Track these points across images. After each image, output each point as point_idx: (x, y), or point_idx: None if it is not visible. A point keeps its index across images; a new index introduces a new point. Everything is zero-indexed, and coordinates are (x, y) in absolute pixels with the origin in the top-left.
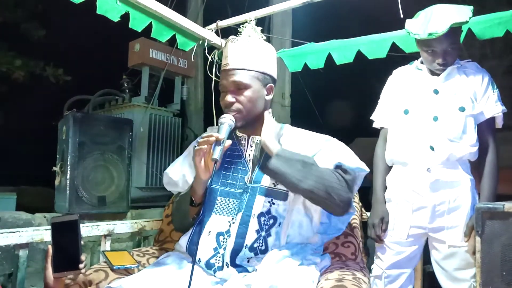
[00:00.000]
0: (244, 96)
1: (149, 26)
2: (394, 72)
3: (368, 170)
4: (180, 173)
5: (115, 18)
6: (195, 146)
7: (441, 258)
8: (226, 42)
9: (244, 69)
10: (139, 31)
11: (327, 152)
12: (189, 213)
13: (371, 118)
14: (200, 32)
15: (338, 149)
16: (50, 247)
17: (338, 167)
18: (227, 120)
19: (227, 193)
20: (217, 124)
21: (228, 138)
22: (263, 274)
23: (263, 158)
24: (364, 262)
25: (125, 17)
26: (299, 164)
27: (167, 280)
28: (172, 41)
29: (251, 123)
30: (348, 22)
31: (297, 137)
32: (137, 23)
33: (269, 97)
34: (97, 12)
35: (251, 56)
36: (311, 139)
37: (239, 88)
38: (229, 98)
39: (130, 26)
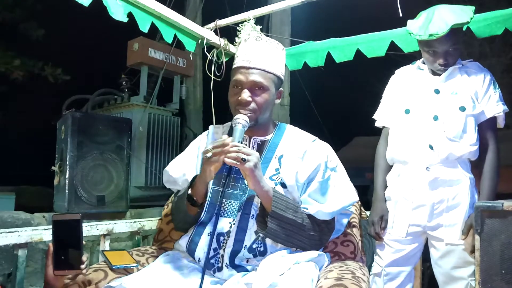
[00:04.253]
0: (261, 98)
1: (153, 27)
2: (396, 71)
3: (357, 199)
4: (180, 172)
5: (124, 18)
6: (205, 156)
7: (439, 257)
8: (247, 39)
9: (265, 71)
10: (146, 31)
11: (317, 190)
12: (189, 212)
13: (373, 117)
14: (199, 31)
15: (329, 185)
16: (51, 245)
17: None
18: (242, 121)
19: (229, 194)
20: (217, 123)
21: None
22: (263, 273)
23: (259, 209)
24: (363, 261)
25: (127, 16)
26: (289, 226)
27: (166, 279)
28: (171, 40)
29: (258, 125)
30: (347, 20)
31: (297, 145)
32: (142, 23)
33: (277, 102)
34: (109, 14)
35: (272, 58)
36: (309, 155)
37: (257, 88)
38: (247, 96)
39: (140, 28)
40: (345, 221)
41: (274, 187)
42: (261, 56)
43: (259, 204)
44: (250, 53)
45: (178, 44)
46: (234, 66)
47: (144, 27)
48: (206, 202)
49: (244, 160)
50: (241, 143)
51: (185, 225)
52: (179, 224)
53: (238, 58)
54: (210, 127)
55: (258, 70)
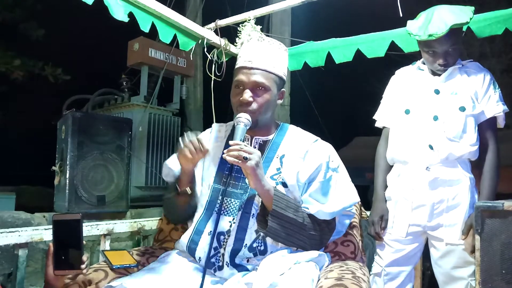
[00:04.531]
0: (262, 98)
1: (154, 27)
2: (397, 72)
3: (358, 200)
4: (179, 165)
5: (125, 18)
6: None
7: (439, 257)
8: (250, 40)
9: (267, 71)
10: (147, 31)
11: (318, 190)
12: (176, 202)
13: (373, 117)
14: (199, 31)
15: (330, 185)
16: (51, 244)
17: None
18: (244, 120)
19: (230, 193)
20: (216, 122)
21: (232, 139)
22: (263, 272)
23: (260, 208)
24: (364, 261)
25: (128, 16)
26: (289, 225)
27: (167, 279)
28: (171, 40)
29: (259, 125)
30: (347, 21)
31: (299, 145)
32: (143, 23)
33: (279, 102)
34: (111, 14)
35: (274, 59)
36: (311, 155)
37: (259, 88)
38: (247, 96)
39: (141, 28)
40: (347, 222)
41: (275, 187)
42: (263, 56)
43: (260, 203)
44: (252, 53)
45: (178, 44)
46: (236, 66)
47: (145, 27)
48: (206, 200)
49: (245, 159)
50: (243, 142)
51: (178, 218)
52: (173, 216)
53: (240, 58)
54: (214, 125)
55: (260, 70)
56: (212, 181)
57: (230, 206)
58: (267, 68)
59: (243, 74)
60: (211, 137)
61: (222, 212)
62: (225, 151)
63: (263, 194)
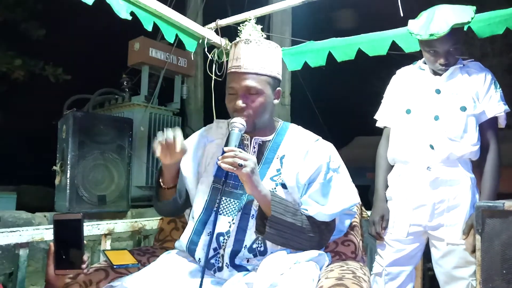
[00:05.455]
0: (256, 102)
1: (156, 26)
2: (398, 72)
3: (358, 201)
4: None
5: (128, 16)
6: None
7: (440, 256)
8: (237, 42)
9: (258, 74)
10: (150, 30)
11: (318, 192)
12: (161, 195)
13: (374, 117)
14: (199, 31)
15: (330, 186)
16: (52, 244)
17: (323, 221)
18: (238, 125)
19: (229, 193)
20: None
21: (227, 145)
22: (263, 273)
23: (258, 213)
24: (364, 261)
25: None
26: (288, 229)
27: (167, 279)
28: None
29: (257, 127)
30: (348, 20)
31: (299, 145)
32: (145, 22)
33: (276, 102)
34: (115, 12)
35: (264, 60)
36: (311, 155)
37: (251, 93)
38: (240, 103)
39: (144, 27)
40: (347, 222)
41: (275, 188)
42: (252, 59)
43: (258, 206)
44: (240, 57)
45: (179, 44)
46: (228, 72)
47: (148, 26)
48: (206, 199)
49: (240, 166)
50: (239, 147)
51: (165, 212)
52: (160, 211)
53: (230, 63)
54: (215, 120)
55: (250, 74)
56: (212, 180)
57: (229, 206)
58: (257, 71)
59: (234, 80)
60: (211, 131)
61: (220, 212)
62: (219, 157)
63: (260, 200)
